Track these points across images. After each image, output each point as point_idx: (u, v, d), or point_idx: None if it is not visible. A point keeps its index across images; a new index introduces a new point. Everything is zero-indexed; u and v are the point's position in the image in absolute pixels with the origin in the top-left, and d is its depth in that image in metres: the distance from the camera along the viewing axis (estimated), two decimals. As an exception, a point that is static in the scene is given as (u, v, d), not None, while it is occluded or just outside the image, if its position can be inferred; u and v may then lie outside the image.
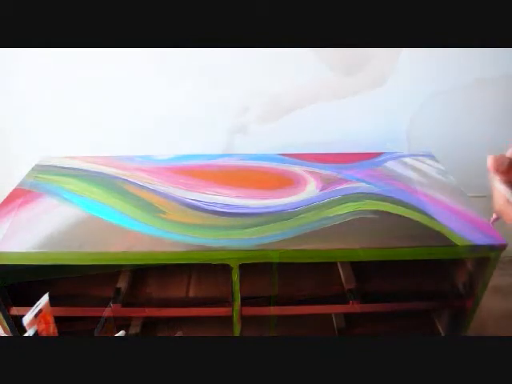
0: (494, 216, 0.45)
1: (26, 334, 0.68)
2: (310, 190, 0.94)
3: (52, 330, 0.74)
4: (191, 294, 0.92)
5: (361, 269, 0.95)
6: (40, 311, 0.70)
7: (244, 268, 0.79)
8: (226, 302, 0.86)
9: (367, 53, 1.10)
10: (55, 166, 1.02)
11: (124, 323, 1.00)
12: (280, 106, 1.19)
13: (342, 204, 0.89)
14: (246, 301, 0.85)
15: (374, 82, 1.16)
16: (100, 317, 0.87)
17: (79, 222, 0.84)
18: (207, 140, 1.23)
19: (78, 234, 0.80)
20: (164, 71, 1.13)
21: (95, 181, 0.96)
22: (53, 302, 0.73)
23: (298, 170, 1.01)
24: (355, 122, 1.22)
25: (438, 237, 0.80)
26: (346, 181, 0.97)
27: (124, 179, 0.97)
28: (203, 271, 0.97)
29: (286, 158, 1.07)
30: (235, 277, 0.80)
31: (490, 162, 0.41)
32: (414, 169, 1.02)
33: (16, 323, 0.84)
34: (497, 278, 1.42)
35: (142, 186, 0.94)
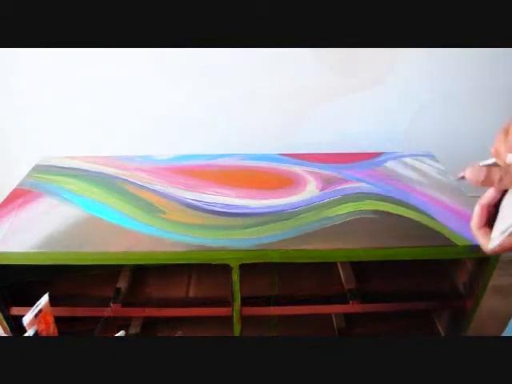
0: (462, 174, 0.45)
1: (25, 334, 0.68)
2: (310, 189, 0.94)
3: (52, 330, 0.74)
4: (191, 293, 0.92)
5: (361, 269, 0.95)
6: (40, 311, 0.70)
7: (244, 268, 0.79)
8: (226, 302, 0.86)
9: (367, 53, 1.10)
10: (55, 166, 1.02)
11: (124, 323, 1.00)
12: (280, 106, 1.19)
13: (342, 204, 0.89)
14: (246, 301, 0.85)
15: (374, 81, 1.16)
16: (100, 317, 0.87)
17: (79, 222, 0.84)
18: (207, 140, 1.23)
19: (77, 234, 0.80)
20: (164, 71, 1.13)
21: (95, 181, 0.96)
22: (53, 301, 0.73)
23: (297, 170, 1.01)
24: (355, 122, 1.22)
25: (437, 237, 0.80)
26: (345, 181, 0.97)
27: (124, 179, 0.97)
28: (203, 271, 0.97)
29: (286, 157, 1.07)
30: (235, 277, 0.80)
31: (468, 174, 0.41)
32: (413, 169, 1.02)
33: (16, 323, 0.85)
34: (497, 278, 1.43)
35: (142, 186, 0.94)
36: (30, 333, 0.68)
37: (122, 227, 0.82)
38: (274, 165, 1.04)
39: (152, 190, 0.93)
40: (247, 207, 0.88)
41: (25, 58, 1.09)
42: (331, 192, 0.93)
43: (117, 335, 0.76)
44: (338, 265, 0.97)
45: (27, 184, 0.96)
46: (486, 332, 1.09)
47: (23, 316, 0.68)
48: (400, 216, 0.85)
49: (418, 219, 0.84)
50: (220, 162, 1.05)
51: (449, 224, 0.82)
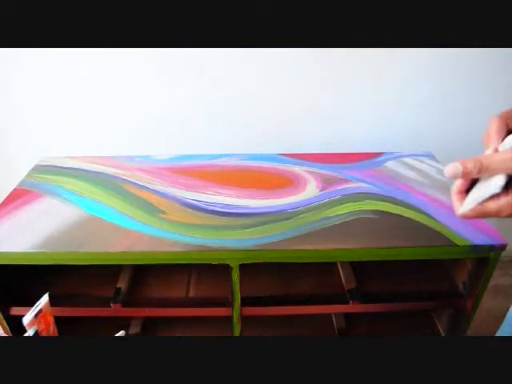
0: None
1: (25, 334, 0.68)
2: (310, 189, 0.94)
3: (52, 330, 0.74)
4: (191, 293, 0.92)
5: (361, 269, 0.95)
6: (40, 311, 0.70)
7: (244, 268, 0.79)
8: (226, 302, 0.86)
9: (367, 53, 1.10)
10: (55, 166, 1.02)
11: (124, 323, 1.00)
12: (280, 106, 1.19)
13: (342, 204, 0.89)
14: (246, 301, 0.85)
15: (374, 81, 1.16)
16: (100, 317, 0.87)
17: (79, 222, 0.84)
18: (207, 140, 1.23)
19: (77, 234, 0.80)
20: (164, 71, 1.13)
21: (95, 181, 0.96)
22: (53, 301, 0.73)
23: (297, 170, 1.01)
24: (355, 122, 1.22)
25: (438, 237, 0.80)
26: (346, 181, 0.97)
27: (124, 179, 0.97)
28: (203, 271, 0.97)
29: (286, 157, 1.07)
30: (235, 277, 0.80)
31: (447, 171, 0.42)
32: (413, 169, 1.02)
33: (16, 323, 0.84)
34: (497, 278, 1.43)
35: (142, 186, 0.94)
36: (29, 333, 0.68)
37: (122, 227, 0.82)
38: (274, 165, 1.04)
39: (152, 190, 0.93)
40: (247, 207, 0.88)
41: (25, 58, 1.09)
42: (331, 192, 0.93)
43: (117, 335, 0.76)
44: (338, 265, 0.97)
45: (27, 184, 0.96)
46: (485, 332, 1.09)
47: (23, 316, 0.68)
48: (400, 216, 0.85)
49: (418, 219, 0.84)
50: (220, 161, 1.05)
51: (449, 224, 0.82)
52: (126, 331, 0.98)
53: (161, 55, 1.10)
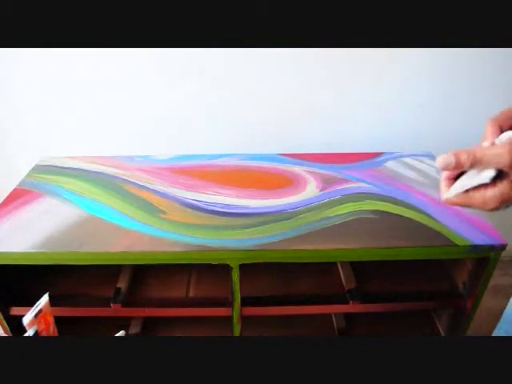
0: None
1: (25, 334, 0.68)
2: (310, 189, 0.94)
3: (52, 330, 0.74)
4: (191, 293, 0.92)
5: (361, 269, 0.95)
6: (40, 311, 0.70)
7: (244, 268, 0.79)
8: (226, 302, 0.86)
9: (367, 53, 1.10)
10: (55, 166, 1.02)
11: (124, 323, 1.00)
12: (280, 106, 1.19)
13: (342, 204, 0.89)
14: (246, 301, 0.85)
15: (374, 81, 1.16)
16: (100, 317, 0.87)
17: (79, 221, 0.84)
18: (207, 140, 1.23)
19: (77, 234, 0.80)
20: (164, 71, 1.13)
21: (95, 181, 0.96)
22: (53, 301, 0.73)
23: (297, 170, 1.01)
24: (355, 122, 1.22)
25: (438, 237, 0.80)
26: (346, 181, 0.97)
27: (124, 179, 0.97)
28: (203, 271, 0.97)
29: (286, 157, 1.07)
30: (235, 277, 0.80)
31: (439, 162, 0.42)
32: (413, 169, 1.02)
33: (16, 323, 0.84)
34: (497, 278, 1.43)
35: (142, 186, 0.94)
36: (29, 333, 0.68)
37: (122, 227, 0.82)
38: (274, 165, 1.04)
39: (152, 190, 0.93)
40: (247, 207, 0.88)
41: (25, 58, 1.09)
42: (331, 192, 0.93)
43: (117, 335, 0.76)
44: (338, 265, 0.97)
45: (27, 184, 0.96)
46: (485, 332, 1.09)
47: (23, 316, 0.68)
48: (400, 216, 0.85)
49: (418, 219, 0.84)
50: (220, 161, 1.05)
51: (449, 224, 0.82)
52: (126, 331, 0.98)
53: (161, 55, 1.10)
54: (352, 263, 0.96)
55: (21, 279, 0.92)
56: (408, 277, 0.94)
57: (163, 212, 0.86)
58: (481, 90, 1.17)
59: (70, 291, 0.91)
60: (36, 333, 0.69)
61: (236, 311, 0.85)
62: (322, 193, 0.93)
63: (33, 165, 1.03)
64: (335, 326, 1.01)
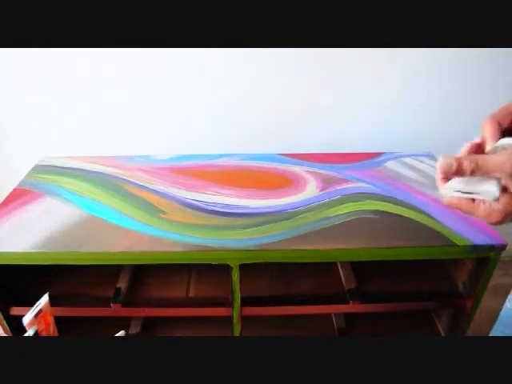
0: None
1: (25, 334, 0.68)
2: (310, 189, 0.94)
3: (52, 330, 0.74)
4: (191, 293, 0.92)
5: (361, 269, 0.95)
6: (40, 311, 0.70)
7: (244, 268, 0.79)
8: (226, 302, 0.86)
9: (367, 53, 1.10)
10: (55, 166, 1.02)
11: (124, 323, 1.00)
12: (280, 106, 1.19)
13: (342, 204, 0.89)
14: (246, 301, 0.85)
15: (374, 81, 1.16)
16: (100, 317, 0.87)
17: (79, 221, 0.84)
18: (207, 140, 1.23)
19: (78, 234, 0.80)
20: (164, 71, 1.13)
21: (95, 181, 0.96)
22: (53, 301, 0.73)
23: (297, 170, 1.01)
24: (355, 122, 1.22)
25: (438, 237, 0.80)
26: (346, 181, 0.97)
27: (124, 179, 0.97)
28: (203, 271, 0.97)
29: (286, 157, 1.07)
30: (235, 277, 0.80)
31: (440, 166, 0.42)
32: (413, 169, 1.02)
33: (16, 323, 0.84)
34: (497, 278, 1.43)
35: (142, 186, 0.94)
36: (29, 333, 0.68)
37: (122, 227, 0.82)
38: (274, 165, 1.04)
39: (152, 190, 0.93)
40: (247, 207, 0.88)
41: (25, 58, 1.09)
42: (331, 192, 0.93)
43: (117, 335, 0.76)
44: (338, 265, 0.97)
45: (27, 184, 0.96)
46: (485, 332, 1.09)
47: (23, 316, 0.68)
48: (400, 216, 0.85)
49: (418, 219, 0.84)
50: (220, 161, 1.05)
51: (449, 224, 0.82)
52: (126, 331, 0.98)
53: (161, 55, 1.10)
54: (352, 263, 0.96)
55: (21, 279, 0.92)
56: (408, 277, 0.94)
57: (163, 212, 0.86)
58: (481, 90, 1.17)
59: (70, 291, 0.91)
60: (36, 333, 0.69)
61: (236, 311, 0.85)
62: (322, 193, 0.93)
63: (33, 165, 1.03)
64: (335, 325, 1.01)
